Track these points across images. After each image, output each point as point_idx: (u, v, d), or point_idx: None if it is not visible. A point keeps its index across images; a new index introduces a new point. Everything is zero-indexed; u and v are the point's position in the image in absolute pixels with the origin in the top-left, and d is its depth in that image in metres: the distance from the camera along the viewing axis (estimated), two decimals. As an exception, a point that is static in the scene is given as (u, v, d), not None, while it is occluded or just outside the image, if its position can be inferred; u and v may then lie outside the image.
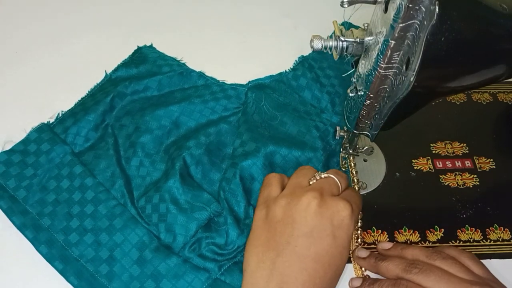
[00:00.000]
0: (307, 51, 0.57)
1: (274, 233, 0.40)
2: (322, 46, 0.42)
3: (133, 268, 0.43)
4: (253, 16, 0.62)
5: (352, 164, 0.50)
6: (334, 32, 0.42)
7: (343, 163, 0.50)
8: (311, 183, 0.42)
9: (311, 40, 0.42)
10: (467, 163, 0.53)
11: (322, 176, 0.42)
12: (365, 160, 0.52)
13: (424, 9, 0.32)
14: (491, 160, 0.53)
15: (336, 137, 0.50)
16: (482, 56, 0.37)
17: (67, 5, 0.64)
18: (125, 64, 0.57)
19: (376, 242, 0.47)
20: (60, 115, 0.52)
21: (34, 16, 0.62)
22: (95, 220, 0.46)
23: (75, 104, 0.53)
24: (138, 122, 0.51)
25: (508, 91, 0.59)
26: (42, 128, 0.51)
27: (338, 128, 0.49)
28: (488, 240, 0.48)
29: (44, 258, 0.44)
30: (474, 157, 0.53)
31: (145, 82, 0.54)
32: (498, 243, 0.48)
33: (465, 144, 0.54)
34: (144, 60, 0.57)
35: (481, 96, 0.59)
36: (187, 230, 0.45)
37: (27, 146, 0.50)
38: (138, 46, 0.59)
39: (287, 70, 0.56)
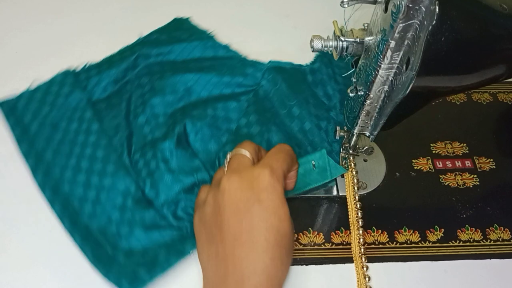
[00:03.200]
0: (307, 51, 0.57)
1: (208, 230, 0.40)
2: (322, 46, 0.42)
3: (113, 212, 0.46)
4: (253, 16, 0.62)
5: (352, 164, 0.50)
6: (334, 32, 0.42)
7: (343, 163, 0.50)
8: (224, 169, 0.42)
9: (311, 40, 0.42)
10: (467, 163, 0.53)
11: (228, 156, 0.43)
12: (365, 160, 0.52)
13: (424, 9, 0.32)
14: (491, 160, 0.53)
15: (336, 137, 0.50)
16: (482, 56, 0.37)
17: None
18: (158, 30, 0.59)
19: (376, 242, 0.47)
20: (87, 65, 0.56)
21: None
22: (90, 162, 0.48)
23: (103, 59, 0.57)
24: (154, 83, 0.53)
25: (508, 91, 0.59)
26: (67, 73, 0.54)
27: (338, 128, 0.49)
28: (488, 240, 0.48)
29: (37, 184, 0.47)
30: (474, 157, 0.53)
31: (170, 47, 0.57)
32: (498, 243, 0.48)
33: (465, 144, 0.54)
34: (177, 29, 0.59)
35: (481, 96, 0.59)
36: (170, 190, 0.46)
37: (50, 87, 0.54)
38: (175, 18, 0.61)
39: (306, 64, 0.56)
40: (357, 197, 0.48)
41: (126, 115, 0.53)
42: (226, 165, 0.43)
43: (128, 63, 0.55)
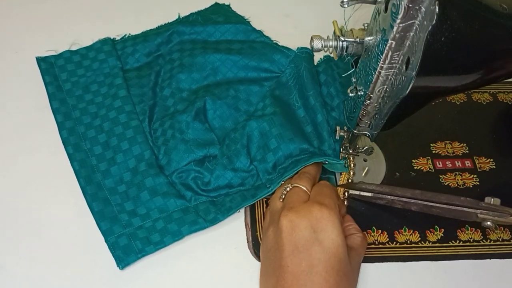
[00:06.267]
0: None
1: (270, 262, 0.41)
2: (322, 46, 0.42)
3: (126, 174, 0.49)
4: (253, 16, 0.62)
5: (352, 165, 0.50)
6: (334, 32, 0.42)
7: (343, 163, 0.50)
8: (281, 200, 0.44)
9: (311, 40, 0.42)
10: (467, 163, 0.53)
11: (288, 189, 0.44)
12: (365, 160, 0.52)
13: (424, 9, 0.32)
14: (491, 160, 0.53)
15: (336, 137, 0.50)
16: (482, 56, 0.37)
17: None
18: (197, 13, 0.61)
19: (376, 242, 0.47)
20: (126, 36, 0.60)
21: None
22: (113, 124, 0.52)
23: (140, 32, 0.60)
24: (183, 59, 0.56)
25: (508, 91, 0.59)
26: (106, 41, 0.59)
27: (338, 128, 0.49)
28: (488, 240, 0.48)
29: (61, 141, 0.51)
30: (474, 157, 0.53)
31: (204, 27, 0.59)
32: (498, 243, 0.48)
33: (465, 144, 0.54)
34: (215, 12, 0.61)
35: (481, 96, 0.59)
36: (181, 159, 0.49)
37: (88, 52, 0.58)
38: (216, 2, 0.63)
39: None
40: (346, 194, 0.49)
41: (153, 86, 0.56)
42: (283, 196, 0.44)
43: (163, 38, 0.59)
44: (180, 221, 0.46)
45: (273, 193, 0.47)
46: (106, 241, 0.45)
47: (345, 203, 0.48)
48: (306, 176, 0.46)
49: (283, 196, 0.44)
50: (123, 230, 0.46)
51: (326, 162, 0.49)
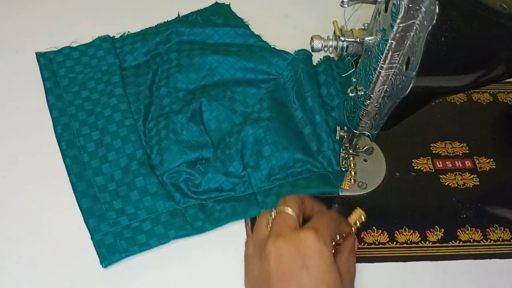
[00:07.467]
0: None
1: None
2: (322, 46, 0.42)
3: (117, 172, 0.49)
4: (253, 16, 0.62)
5: (352, 164, 0.50)
6: (334, 32, 0.42)
7: (343, 163, 0.50)
8: (269, 227, 0.42)
9: (311, 40, 0.42)
10: (467, 163, 0.53)
11: (273, 215, 0.42)
12: (365, 160, 0.52)
13: (424, 9, 0.32)
14: (491, 160, 0.53)
15: (336, 137, 0.50)
16: (482, 56, 0.38)
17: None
18: (196, 12, 0.62)
19: (376, 242, 0.47)
20: (125, 34, 0.60)
21: None
22: (107, 122, 0.52)
23: (139, 31, 0.61)
24: (181, 60, 0.56)
25: (508, 91, 0.59)
26: (105, 39, 0.59)
27: (338, 128, 0.49)
28: (488, 240, 0.48)
29: (55, 136, 0.51)
30: (474, 157, 0.53)
31: (203, 29, 0.59)
32: (498, 243, 0.48)
33: (465, 144, 0.54)
34: (215, 13, 0.61)
35: (481, 96, 0.59)
36: (174, 160, 0.49)
37: (87, 49, 0.58)
38: (216, 2, 0.63)
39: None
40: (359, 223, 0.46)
41: (150, 85, 0.56)
42: (270, 222, 0.42)
43: (161, 37, 0.59)
44: (167, 225, 0.46)
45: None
46: (92, 238, 0.45)
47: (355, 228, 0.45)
48: (291, 199, 0.43)
49: (269, 224, 0.42)
50: (110, 228, 0.46)
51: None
